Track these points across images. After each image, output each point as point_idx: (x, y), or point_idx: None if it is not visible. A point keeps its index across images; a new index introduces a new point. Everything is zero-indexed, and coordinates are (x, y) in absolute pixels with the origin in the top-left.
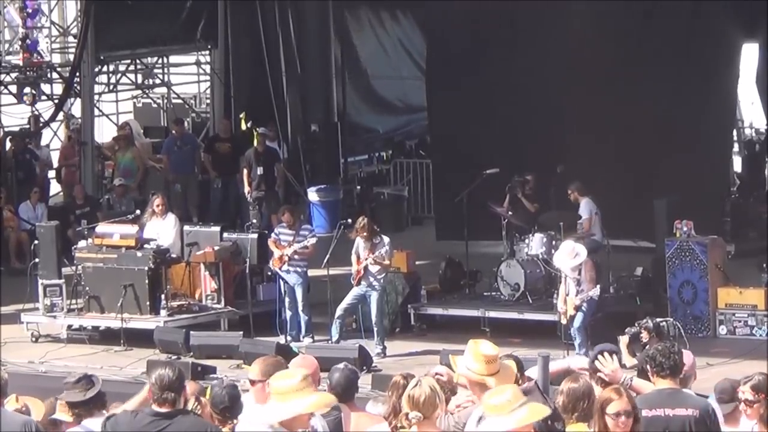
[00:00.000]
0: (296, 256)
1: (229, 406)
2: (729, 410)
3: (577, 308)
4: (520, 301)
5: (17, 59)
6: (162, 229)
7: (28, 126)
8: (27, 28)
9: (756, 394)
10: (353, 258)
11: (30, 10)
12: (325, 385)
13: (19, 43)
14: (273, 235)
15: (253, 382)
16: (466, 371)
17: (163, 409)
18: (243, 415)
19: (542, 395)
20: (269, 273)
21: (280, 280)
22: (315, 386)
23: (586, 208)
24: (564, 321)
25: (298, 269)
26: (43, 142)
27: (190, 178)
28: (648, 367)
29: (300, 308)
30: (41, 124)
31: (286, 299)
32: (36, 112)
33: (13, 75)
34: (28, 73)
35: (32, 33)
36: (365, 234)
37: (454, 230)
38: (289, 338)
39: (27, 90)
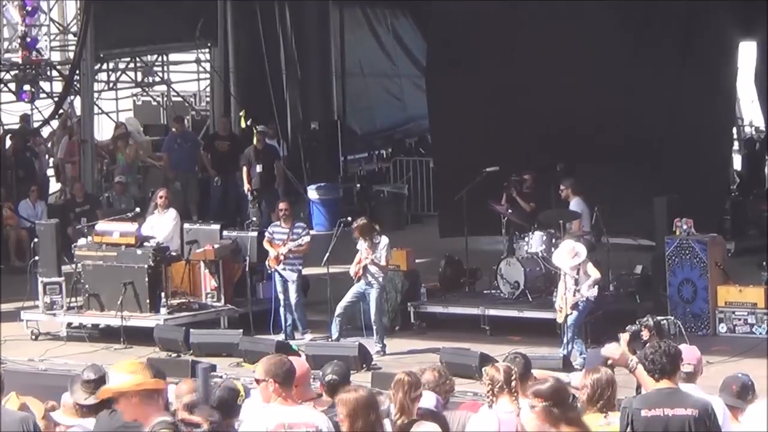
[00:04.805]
0: (291, 255)
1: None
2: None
3: (574, 307)
4: (520, 299)
5: (17, 57)
6: (160, 223)
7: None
8: (26, 26)
9: None
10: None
11: (29, 8)
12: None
13: (18, 41)
14: (267, 233)
15: (258, 381)
16: None
17: None
18: (248, 415)
19: None
20: (269, 271)
21: (275, 279)
22: None
23: (577, 207)
24: (560, 319)
25: (293, 267)
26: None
27: (190, 176)
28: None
29: (293, 305)
30: (41, 122)
31: (281, 296)
32: (36, 109)
33: (12, 73)
34: (27, 71)
35: (31, 31)
36: (361, 234)
37: (456, 228)
38: (284, 335)
39: (26, 87)
